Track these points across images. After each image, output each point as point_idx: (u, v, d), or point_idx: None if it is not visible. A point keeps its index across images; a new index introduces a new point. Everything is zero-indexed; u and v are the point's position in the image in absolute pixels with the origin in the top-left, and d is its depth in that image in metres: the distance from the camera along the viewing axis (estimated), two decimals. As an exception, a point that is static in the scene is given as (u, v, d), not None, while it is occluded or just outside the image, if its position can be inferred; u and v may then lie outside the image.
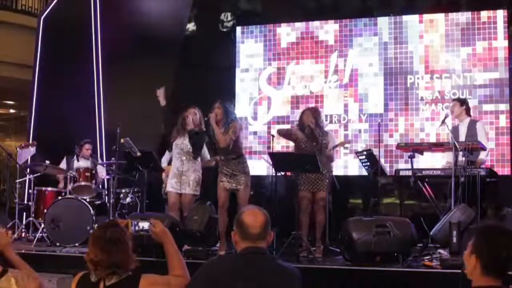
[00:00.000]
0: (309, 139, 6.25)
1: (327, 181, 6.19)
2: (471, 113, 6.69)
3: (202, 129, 6.26)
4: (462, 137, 6.09)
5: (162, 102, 6.49)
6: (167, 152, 6.93)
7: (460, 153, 5.70)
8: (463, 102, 6.50)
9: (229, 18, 9.10)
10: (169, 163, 6.77)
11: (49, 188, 7.26)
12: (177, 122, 6.43)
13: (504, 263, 2.17)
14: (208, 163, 6.56)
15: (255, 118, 8.67)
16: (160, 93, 6.49)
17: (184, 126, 6.33)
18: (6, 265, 2.74)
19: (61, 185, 7.51)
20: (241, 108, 8.60)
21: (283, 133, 6.79)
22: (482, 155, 6.11)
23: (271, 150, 6.98)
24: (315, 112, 6.47)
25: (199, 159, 6.35)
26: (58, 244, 6.55)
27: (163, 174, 7.02)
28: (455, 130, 6.19)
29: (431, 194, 6.18)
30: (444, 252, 5.32)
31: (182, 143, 6.30)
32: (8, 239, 2.90)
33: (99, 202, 7.17)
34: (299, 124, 6.45)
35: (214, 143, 6.12)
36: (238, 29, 8.92)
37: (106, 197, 7.16)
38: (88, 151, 7.63)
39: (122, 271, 2.64)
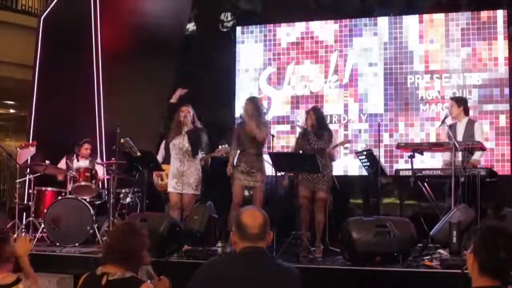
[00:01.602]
0: (307, 142, 6.28)
1: (326, 181, 6.18)
2: (471, 113, 6.68)
3: (197, 125, 6.31)
4: (459, 137, 6.07)
5: (174, 99, 6.50)
6: (160, 151, 6.98)
7: (459, 153, 5.68)
8: (460, 102, 6.43)
9: (229, 18, 9.10)
10: (162, 162, 6.81)
11: (49, 188, 7.24)
12: (172, 122, 6.45)
13: (502, 264, 2.16)
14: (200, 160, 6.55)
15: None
16: (179, 92, 6.50)
17: (179, 125, 6.33)
18: (18, 270, 2.75)
19: (60, 177, 7.46)
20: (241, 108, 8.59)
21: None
22: (476, 155, 6.09)
23: (271, 150, 6.98)
24: (315, 110, 6.48)
25: (198, 158, 6.36)
26: (58, 244, 6.54)
27: (154, 174, 7.02)
28: (452, 128, 6.17)
29: (431, 194, 6.18)
30: (444, 252, 5.32)
31: (179, 142, 6.29)
32: (29, 247, 2.91)
33: (99, 202, 7.16)
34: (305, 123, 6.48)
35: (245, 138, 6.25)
36: (238, 29, 8.93)
37: (106, 197, 7.15)
38: (87, 151, 7.61)
39: (129, 266, 2.66)
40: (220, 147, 6.83)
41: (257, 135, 6.22)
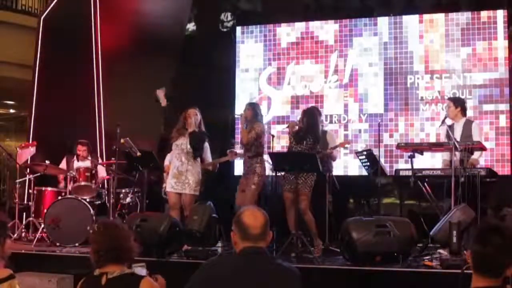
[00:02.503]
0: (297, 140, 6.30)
1: (309, 180, 6.12)
2: (471, 113, 6.67)
3: (202, 129, 6.34)
4: (457, 137, 6.05)
5: (163, 102, 6.50)
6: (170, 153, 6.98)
7: (458, 153, 5.68)
8: (457, 102, 6.38)
9: (229, 18, 9.10)
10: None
11: (49, 188, 7.24)
12: (177, 122, 6.46)
13: (492, 263, 2.14)
14: (207, 166, 6.57)
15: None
16: (160, 93, 6.50)
17: (184, 126, 6.35)
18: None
19: (62, 185, 7.49)
20: (241, 108, 8.59)
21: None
22: (476, 155, 6.09)
23: (271, 150, 6.99)
24: (305, 113, 6.46)
25: (199, 159, 6.37)
26: (58, 244, 6.54)
27: (164, 174, 7.03)
28: (450, 129, 6.15)
29: (431, 194, 6.17)
30: (444, 252, 5.32)
31: (182, 143, 6.32)
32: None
33: (99, 202, 7.16)
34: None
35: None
36: (238, 29, 8.93)
37: (106, 197, 7.15)
38: (80, 152, 7.48)
39: (123, 260, 2.67)
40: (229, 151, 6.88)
41: (243, 139, 6.43)
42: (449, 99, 6.75)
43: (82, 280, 2.77)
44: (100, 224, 2.93)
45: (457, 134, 6.14)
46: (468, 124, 6.23)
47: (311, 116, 6.36)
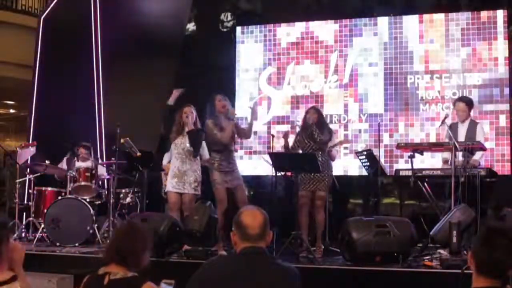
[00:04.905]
0: (309, 137, 6.29)
1: (327, 180, 6.20)
2: (471, 113, 6.66)
3: (198, 127, 6.32)
4: (461, 138, 6.06)
5: (171, 101, 6.47)
6: (169, 152, 6.97)
7: (460, 153, 5.68)
8: (469, 104, 6.35)
9: (229, 18, 9.10)
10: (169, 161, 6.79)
11: (49, 188, 7.24)
12: (174, 122, 6.44)
13: (498, 265, 2.14)
14: (204, 163, 6.55)
15: (255, 118, 8.65)
16: (176, 93, 6.46)
17: (182, 125, 6.33)
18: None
19: (61, 177, 7.44)
20: (241, 108, 8.59)
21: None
22: (477, 156, 6.08)
23: (271, 150, 6.99)
24: (318, 111, 6.52)
25: (198, 158, 6.36)
26: (58, 244, 6.54)
27: (162, 173, 7.02)
28: (454, 129, 6.16)
29: (431, 194, 6.18)
30: (444, 252, 5.32)
31: (181, 143, 6.30)
32: (22, 254, 2.90)
33: (99, 202, 7.16)
34: (303, 122, 6.49)
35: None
36: (238, 29, 8.93)
37: (106, 197, 7.15)
38: (82, 155, 7.46)
39: (129, 266, 2.67)
40: None
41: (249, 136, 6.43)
42: (462, 100, 6.53)
43: (86, 277, 2.77)
44: (129, 224, 2.93)
45: (462, 134, 6.15)
46: (473, 126, 6.23)
47: (321, 112, 6.67)
